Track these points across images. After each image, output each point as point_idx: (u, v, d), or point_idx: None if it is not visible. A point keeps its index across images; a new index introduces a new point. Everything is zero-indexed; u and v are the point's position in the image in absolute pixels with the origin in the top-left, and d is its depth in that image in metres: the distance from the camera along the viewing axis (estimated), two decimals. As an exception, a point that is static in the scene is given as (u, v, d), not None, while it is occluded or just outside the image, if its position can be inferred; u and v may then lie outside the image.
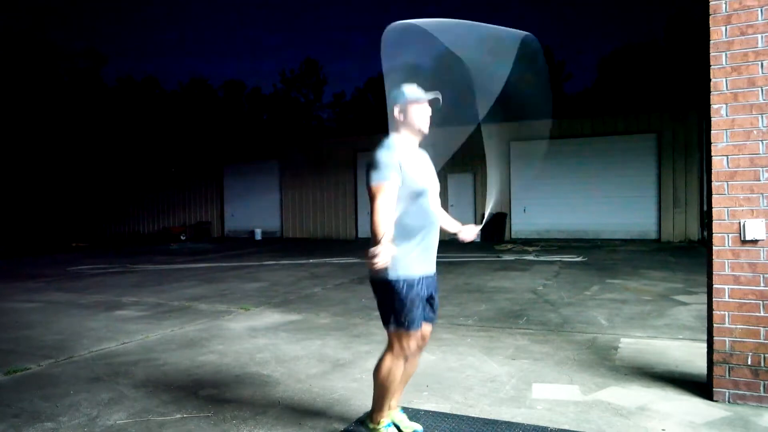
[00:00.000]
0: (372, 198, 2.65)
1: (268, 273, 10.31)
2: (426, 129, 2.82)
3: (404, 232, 2.69)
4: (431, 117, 2.84)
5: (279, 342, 5.13)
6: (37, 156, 25.67)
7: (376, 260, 2.46)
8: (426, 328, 2.89)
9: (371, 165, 2.70)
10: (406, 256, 2.68)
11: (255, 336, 5.38)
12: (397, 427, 2.97)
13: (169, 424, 3.28)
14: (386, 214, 2.60)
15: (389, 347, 2.79)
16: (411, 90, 2.81)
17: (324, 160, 19.64)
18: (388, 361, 2.78)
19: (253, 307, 6.87)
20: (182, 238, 20.25)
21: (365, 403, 3.49)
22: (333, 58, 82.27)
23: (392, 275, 2.67)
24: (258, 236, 20.02)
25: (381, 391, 2.83)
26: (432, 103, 2.84)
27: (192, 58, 79.23)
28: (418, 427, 3.03)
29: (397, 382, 2.82)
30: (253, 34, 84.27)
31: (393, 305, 2.70)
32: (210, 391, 3.82)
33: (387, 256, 2.49)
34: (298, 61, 52.36)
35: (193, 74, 62.19)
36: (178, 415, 3.41)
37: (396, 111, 2.79)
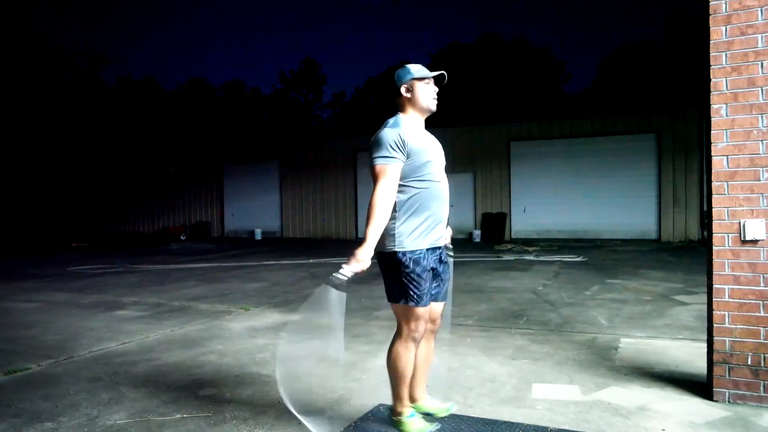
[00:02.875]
0: (374, 179, 2.63)
1: (268, 273, 10.31)
2: (433, 106, 2.80)
3: (411, 206, 2.68)
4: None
5: (279, 342, 5.12)
6: (37, 156, 25.67)
7: (357, 265, 2.49)
8: (436, 307, 2.85)
9: (375, 143, 2.67)
10: (413, 230, 2.67)
11: (255, 336, 5.38)
12: (430, 415, 2.93)
13: (169, 424, 3.28)
14: (387, 198, 2.58)
15: (397, 331, 2.76)
16: (417, 68, 2.79)
17: (324, 160, 19.64)
18: (397, 346, 2.74)
19: (253, 307, 6.87)
20: (182, 238, 20.24)
21: (365, 403, 3.49)
22: (333, 58, 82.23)
23: (399, 249, 2.65)
24: (258, 236, 20.01)
25: (396, 380, 2.79)
26: (438, 80, 2.82)
27: (191, 59, 79.23)
28: (450, 404, 3.01)
29: (410, 367, 2.76)
30: (253, 34, 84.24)
31: (399, 280, 2.67)
32: (210, 391, 3.82)
33: (366, 263, 2.50)
34: (298, 61, 52.41)
35: (193, 74, 62.29)
36: (178, 415, 3.41)
37: (403, 90, 2.78)
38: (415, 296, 2.66)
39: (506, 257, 11.94)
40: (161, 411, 3.48)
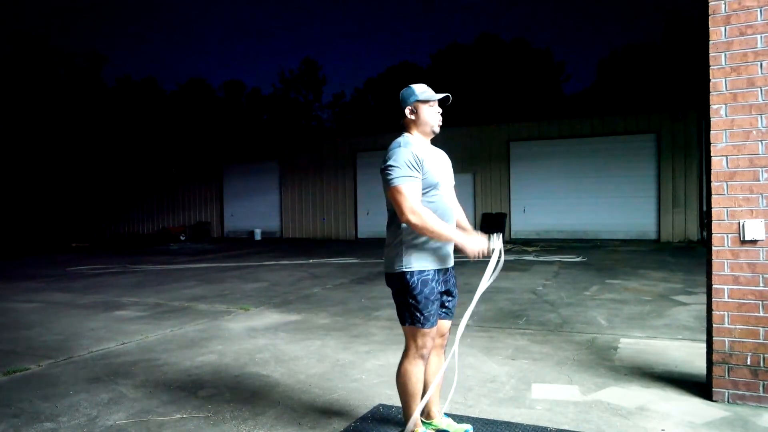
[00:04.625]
0: (399, 202, 2.58)
1: (268, 273, 10.31)
2: (437, 128, 2.79)
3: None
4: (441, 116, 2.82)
5: (279, 342, 5.13)
6: (37, 156, 25.67)
7: (475, 250, 2.58)
8: (443, 324, 2.84)
9: (390, 165, 2.61)
10: (419, 250, 2.66)
11: (255, 336, 5.38)
12: None
13: (169, 424, 3.28)
14: (427, 215, 2.57)
15: (405, 349, 2.76)
16: (421, 89, 2.77)
17: (324, 160, 19.65)
18: (405, 363, 2.74)
19: (252, 307, 6.87)
20: (182, 238, 20.25)
21: (365, 404, 3.49)
22: (333, 59, 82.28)
23: (406, 269, 2.65)
24: (258, 236, 20.02)
25: (405, 397, 2.76)
26: (443, 102, 2.80)
27: (191, 59, 79.23)
28: (468, 427, 2.98)
29: (419, 385, 2.75)
30: (253, 34, 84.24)
31: (407, 302, 2.67)
32: (210, 391, 3.82)
33: (476, 241, 2.61)
34: (298, 61, 52.44)
35: (192, 74, 62.30)
36: (178, 416, 3.41)
37: (407, 111, 2.76)
38: (421, 318, 2.65)
39: (506, 257, 11.92)
40: (161, 411, 3.49)
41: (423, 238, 2.66)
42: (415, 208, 2.56)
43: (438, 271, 2.71)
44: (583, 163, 16.15)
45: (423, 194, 2.66)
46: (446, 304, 2.83)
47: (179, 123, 33.39)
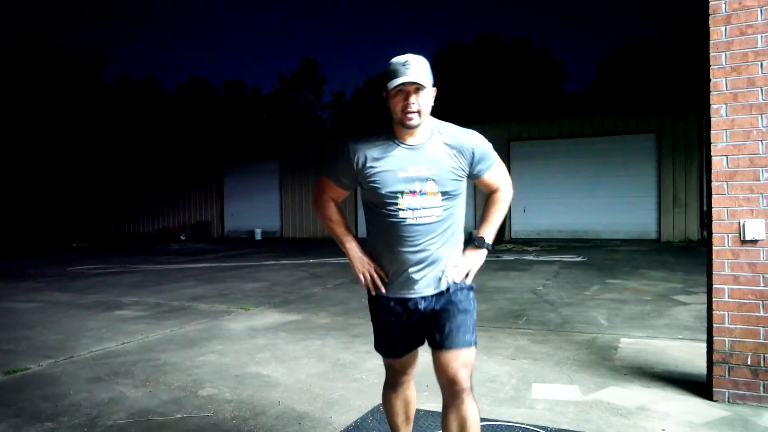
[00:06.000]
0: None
1: (268, 273, 10.31)
2: (406, 121, 2.08)
3: (373, 244, 2.30)
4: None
5: (279, 342, 5.13)
6: (38, 156, 25.67)
7: (359, 274, 2.31)
8: (444, 356, 2.18)
9: None
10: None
11: (255, 336, 5.39)
12: None
13: (169, 424, 3.28)
14: (322, 212, 2.37)
15: None
16: (390, 69, 2.10)
17: (324, 160, 19.66)
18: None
19: (253, 307, 6.87)
20: (182, 238, 20.25)
21: (365, 404, 3.49)
22: (333, 59, 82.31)
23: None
24: (258, 236, 20.02)
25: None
26: (407, 87, 2.06)
27: (191, 59, 79.27)
28: None
29: (390, 414, 2.51)
30: (253, 34, 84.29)
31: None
32: (210, 391, 3.83)
33: (362, 262, 2.29)
34: (298, 61, 52.44)
35: (192, 74, 62.35)
36: (178, 415, 3.41)
37: (384, 96, 2.19)
38: (375, 340, 2.42)
39: (506, 257, 11.94)
40: (161, 411, 3.49)
41: (378, 260, 2.28)
42: (317, 200, 2.37)
43: (394, 299, 2.24)
44: (584, 163, 16.14)
45: (375, 206, 2.21)
46: (431, 333, 2.23)
47: (179, 123, 33.40)
